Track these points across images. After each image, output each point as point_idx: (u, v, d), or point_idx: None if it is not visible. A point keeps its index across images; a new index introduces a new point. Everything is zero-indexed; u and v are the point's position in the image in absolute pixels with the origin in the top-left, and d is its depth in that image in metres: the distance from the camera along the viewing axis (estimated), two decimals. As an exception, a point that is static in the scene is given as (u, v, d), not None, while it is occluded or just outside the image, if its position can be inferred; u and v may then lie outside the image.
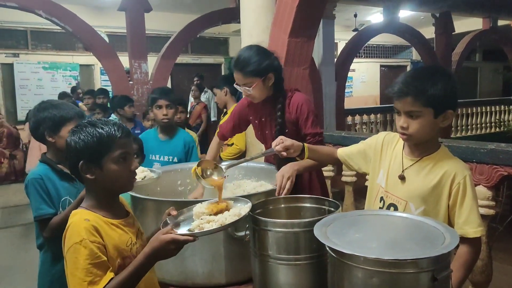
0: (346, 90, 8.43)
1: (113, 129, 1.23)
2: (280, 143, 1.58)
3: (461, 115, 9.24)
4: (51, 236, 1.74)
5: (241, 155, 3.47)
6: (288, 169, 1.74)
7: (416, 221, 1.13)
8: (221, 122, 3.42)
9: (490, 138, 9.03)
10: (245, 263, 1.64)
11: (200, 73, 7.96)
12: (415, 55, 13.99)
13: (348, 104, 8.46)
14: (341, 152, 1.70)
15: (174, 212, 1.34)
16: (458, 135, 9.35)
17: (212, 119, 7.76)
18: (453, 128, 9.08)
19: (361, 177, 2.60)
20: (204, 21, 6.74)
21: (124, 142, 1.25)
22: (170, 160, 2.65)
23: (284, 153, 1.57)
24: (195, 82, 7.60)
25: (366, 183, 2.55)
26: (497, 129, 9.87)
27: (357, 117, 8.22)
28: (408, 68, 13.93)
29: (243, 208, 1.34)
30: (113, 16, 8.62)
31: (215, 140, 2.34)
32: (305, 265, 1.28)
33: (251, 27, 3.00)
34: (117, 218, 1.28)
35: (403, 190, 1.44)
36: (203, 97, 7.58)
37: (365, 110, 8.51)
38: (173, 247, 1.16)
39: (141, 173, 1.91)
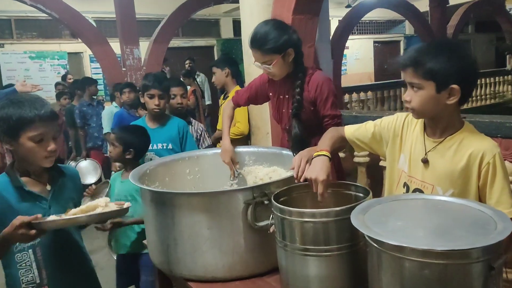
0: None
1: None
2: (325, 181, 1.35)
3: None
4: None
5: (243, 138, 3.38)
6: (306, 153, 1.65)
7: (459, 205, 1.06)
8: (222, 104, 3.33)
9: (488, 110, 9.01)
10: (267, 253, 1.58)
11: (192, 57, 7.79)
12: (408, 29, 13.83)
13: (343, 82, 8.35)
14: (349, 133, 1.58)
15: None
16: (455, 108, 9.30)
17: (207, 102, 7.63)
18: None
19: (375, 157, 2.55)
20: (196, 3, 6.53)
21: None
22: (165, 147, 2.56)
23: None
24: (186, 66, 7.43)
25: (381, 163, 2.53)
26: (493, 101, 9.85)
27: (354, 95, 8.13)
28: (402, 43, 13.79)
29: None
30: (100, 1, 8.34)
31: (229, 104, 2.24)
32: (337, 256, 1.21)
33: (251, 5, 2.87)
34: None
35: (428, 174, 1.36)
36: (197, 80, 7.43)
37: (362, 88, 8.42)
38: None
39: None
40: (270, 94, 2.09)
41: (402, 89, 8.55)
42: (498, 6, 9.88)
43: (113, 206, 1.50)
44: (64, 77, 7.45)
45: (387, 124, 1.51)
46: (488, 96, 9.86)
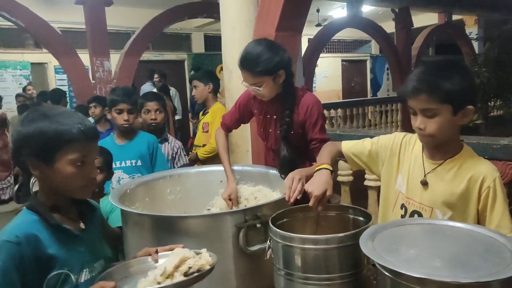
0: (311, 86, 8.42)
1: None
2: (316, 201, 1.31)
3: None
4: None
5: (217, 155, 3.27)
6: (298, 173, 1.60)
7: (468, 230, 1.03)
8: (202, 121, 3.24)
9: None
10: (260, 279, 1.50)
11: (162, 71, 7.48)
12: (374, 49, 14.32)
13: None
14: (346, 148, 1.54)
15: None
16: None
17: (177, 117, 7.46)
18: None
19: (360, 176, 2.54)
20: (170, 16, 6.45)
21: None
22: (134, 164, 2.43)
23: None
24: (156, 80, 7.14)
25: (366, 183, 2.51)
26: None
27: (325, 112, 8.23)
28: (368, 63, 14.22)
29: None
30: (67, 11, 8.07)
31: (221, 132, 2.11)
32: (339, 284, 1.14)
33: (233, 21, 2.83)
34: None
35: (427, 196, 1.34)
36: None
37: (331, 105, 8.56)
38: None
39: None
40: (255, 111, 2.03)
41: (370, 107, 8.81)
42: (458, 30, 10.43)
43: (205, 256, 1.14)
44: (24, 89, 7.11)
45: (384, 142, 1.48)
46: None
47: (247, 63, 1.73)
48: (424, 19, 10.97)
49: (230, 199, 1.89)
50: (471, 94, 1.25)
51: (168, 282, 1.02)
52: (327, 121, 7.97)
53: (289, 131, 1.83)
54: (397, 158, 1.44)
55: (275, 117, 1.91)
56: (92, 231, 1.25)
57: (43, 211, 1.13)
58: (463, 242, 0.98)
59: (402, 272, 0.85)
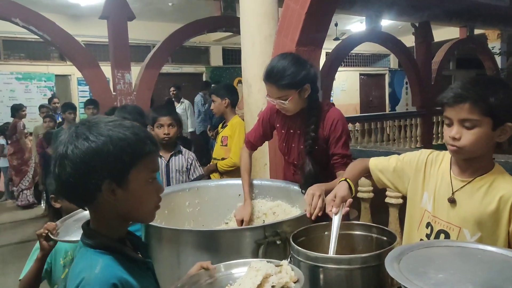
0: (328, 99, 8.39)
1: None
2: (331, 207, 1.36)
3: (439, 122, 9.29)
4: None
5: (236, 169, 3.28)
6: (317, 188, 1.59)
7: (500, 255, 0.99)
8: (221, 134, 3.25)
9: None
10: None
11: (177, 84, 7.77)
12: (392, 63, 14.22)
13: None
14: (373, 165, 1.53)
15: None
16: (440, 142, 9.46)
17: (189, 129, 7.54)
18: (434, 136, 9.18)
19: (380, 192, 2.49)
20: (189, 30, 6.54)
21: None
22: None
23: (347, 208, 1.37)
24: (171, 93, 7.42)
25: (387, 200, 2.46)
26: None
27: (343, 126, 8.17)
28: (387, 77, 14.12)
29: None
30: (90, 25, 8.31)
31: (246, 152, 2.10)
32: (362, 305, 1.12)
33: (253, 35, 2.85)
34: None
35: (455, 215, 1.29)
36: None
37: (349, 119, 8.49)
38: None
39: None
40: (278, 125, 2.02)
41: (389, 121, 8.71)
42: (480, 44, 10.26)
43: (288, 270, 1.04)
44: (50, 100, 7.30)
45: (409, 159, 1.45)
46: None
47: (273, 76, 1.73)
48: (445, 33, 10.86)
49: (242, 221, 1.88)
50: None
51: None
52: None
53: (314, 146, 1.81)
54: (422, 175, 1.40)
55: (298, 132, 1.89)
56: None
57: (119, 248, 0.94)
58: (495, 267, 0.94)
59: (431, 297, 0.81)
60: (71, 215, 1.64)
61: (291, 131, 1.92)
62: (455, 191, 1.30)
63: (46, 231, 1.52)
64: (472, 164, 1.28)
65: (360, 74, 13.86)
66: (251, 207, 1.93)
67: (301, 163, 1.88)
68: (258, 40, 2.83)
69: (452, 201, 1.30)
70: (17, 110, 6.33)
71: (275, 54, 2.68)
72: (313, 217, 1.50)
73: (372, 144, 7.82)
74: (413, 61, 8.91)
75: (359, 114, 11.87)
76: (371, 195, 2.57)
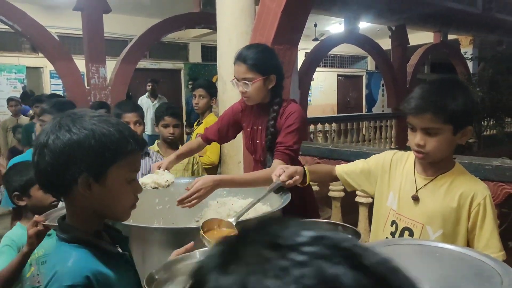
0: (306, 99, 8.44)
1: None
2: (282, 172, 1.43)
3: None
4: None
5: (214, 168, 3.25)
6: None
7: (458, 253, 1.01)
8: (196, 131, 3.21)
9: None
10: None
11: (155, 78, 7.51)
12: (370, 65, 14.46)
13: (308, 112, 8.49)
14: (340, 170, 1.57)
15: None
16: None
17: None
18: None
19: (351, 191, 2.52)
20: (167, 25, 6.45)
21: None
22: None
23: (290, 181, 1.41)
24: (148, 87, 7.19)
25: (357, 199, 2.52)
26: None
27: (319, 126, 8.26)
28: (364, 78, 14.34)
29: None
30: (65, 16, 8.08)
31: (197, 139, 2.16)
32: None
33: (229, 31, 2.83)
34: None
35: (418, 212, 1.33)
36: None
37: (326, 119, 8.58)
38: None
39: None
40: (244, 124, 2.02)
41: (365, 122, 8.85)
42: (453, 49, 10.56)
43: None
44: (25, 94, 7.02)
45: (375, 161, 1.48)
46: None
47: (244, 55, 1.75)
48: (420, 37, 11.11)
49: (158, 168, 1.90)
50: (471, 115, 1.27)
51: None
52: (321, 135, 8.06)
53: (274, 140, 1.82)
54: (387, 175, 1.44)
55: (260, 128, 1.91)
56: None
57: (93, 241, 0.93)
58: (452, 265, 0.96)
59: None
60: (54, 211, 1.58)
61: (255, 127, 1.93)
62: (419, 189, 1.33)
63: (41, 226, 1.46)
64: (434, 164, 1.32)
65: (338, 75, 14.02)
66: (172, 162, 1.99)
67: (263, 159, 1.89)
68: (234, 36, 2.82)
69: (415, 198, 1.33)
70: None
71: (251, 52, 2.68)
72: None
73: (348, 144, 7.93)
74: (389, 64, 9.09)
75: (336, 115, 12.01)
76: (342, 194, 2.60)
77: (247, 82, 1.74)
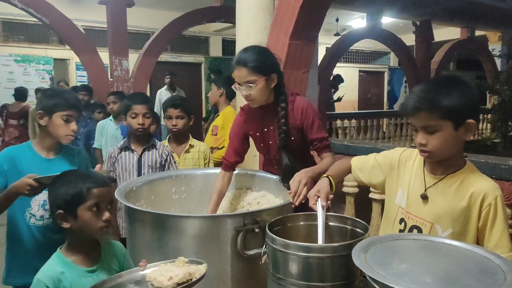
0: (325, 95, 8.36)
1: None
2: (317, 198, 1.39)
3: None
4: None
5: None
6: (304, 175, 1.62)
7: (464, 249, 1.02)
8: (212, 124, 3.26)
9: (466, 147, 9.16)
10: (255, 284, 1.52)
11: (173, 71, 7.53)
12: (392, 61, 14.20)
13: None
14: (354, 164, 1.58)
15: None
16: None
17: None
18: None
19: (365, 187, 2.52)
20: (188, 19, 6.53)
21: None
22: None
23: (329, 202, 1.41)
24: (166, 80, 7.27)
25: (370, 195, 2.51)
26: (471, 138, 10.05)
27: (338, 122, 8.20)
28: (386, 74, 14.11)
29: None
30: (90, 10, 8.26)
31: (221, 173, 2.01)
32: (331, 293, 1.15)
33: (248, 26, 2.86)
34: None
35: (427, 211, 1.33)
36: None
37: (346, 115, 8.51)
38: None
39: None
40: (251, 132, 2.01)
41: (385, 119, 8.73)
42: (481, 46, 10.24)
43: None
44: (57, 84, 7.19)
45: (385, 157, 1.49)
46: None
47: (244, 58, 1.77)
48: (446, 33, 10.83)
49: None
50: (471, 109, 1.24)
51: None
52: (340, 131, 8.00)
53: (287, 139, 1.83)
54: (396, 172, 1.44)
55: (272, 128, 1.90)
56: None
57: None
58: (457, 261, 0.97)
59: (391, 285, 0.85)
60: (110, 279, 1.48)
61: (265, 129, 1.93)
62: (428, 188, 1.33)
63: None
64: (442, 163, 1.31)
65: (360, 71, 13.83)
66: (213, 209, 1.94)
67: (278, 158, 1.90)
68: (253, 31, 2.84)
69: (424, 197, 1.33)
70: (26, 94, 6.14)
71: (269, 47, 2.70)
72: (296, 203, 1.53)
73: (367, 141, 7.86)
74: (413, 60, 8.91)
75: (356, 111, 11.87)
76: (356, 190, 2.60)
77: (250, 84, 1.76)
